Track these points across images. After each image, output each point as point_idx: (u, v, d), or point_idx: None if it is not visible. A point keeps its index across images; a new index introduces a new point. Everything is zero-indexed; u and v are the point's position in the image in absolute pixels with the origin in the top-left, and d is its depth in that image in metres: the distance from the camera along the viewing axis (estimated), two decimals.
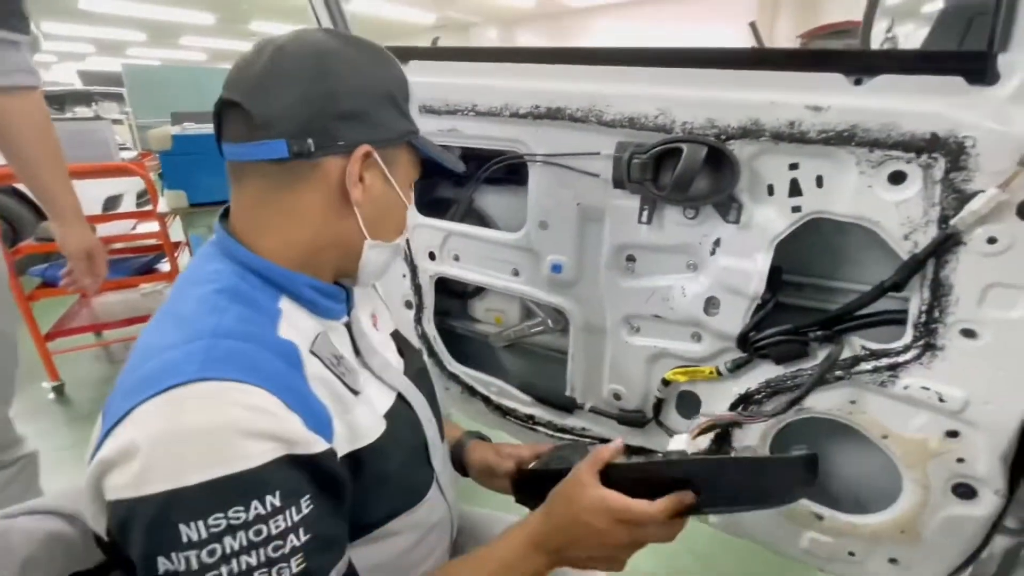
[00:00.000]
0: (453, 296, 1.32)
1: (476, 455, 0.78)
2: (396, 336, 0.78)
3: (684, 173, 0.74)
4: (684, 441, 0.62)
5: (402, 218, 0.61)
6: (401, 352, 0.74)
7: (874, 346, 0.73)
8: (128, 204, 3.87)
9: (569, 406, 1.10)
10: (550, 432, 1.14)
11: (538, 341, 1.23)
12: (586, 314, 1.02)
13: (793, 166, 0.73)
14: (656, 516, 0.51)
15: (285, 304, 0.54)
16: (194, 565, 0.38)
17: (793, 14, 9.10)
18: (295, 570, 0.42)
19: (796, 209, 0.74)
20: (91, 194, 3.39)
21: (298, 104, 0.50)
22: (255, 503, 0.40)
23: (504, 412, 1.20)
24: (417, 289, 1.24)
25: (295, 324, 0.53)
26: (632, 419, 1.02)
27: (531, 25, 12.52)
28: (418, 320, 1.27)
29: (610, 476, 0.56)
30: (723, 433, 0.91)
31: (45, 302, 2.22)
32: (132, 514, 0.39)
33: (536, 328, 1.20)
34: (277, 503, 0.41)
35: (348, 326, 0.62)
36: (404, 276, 1.24)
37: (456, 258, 1.17)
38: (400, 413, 0.63)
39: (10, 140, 1.01)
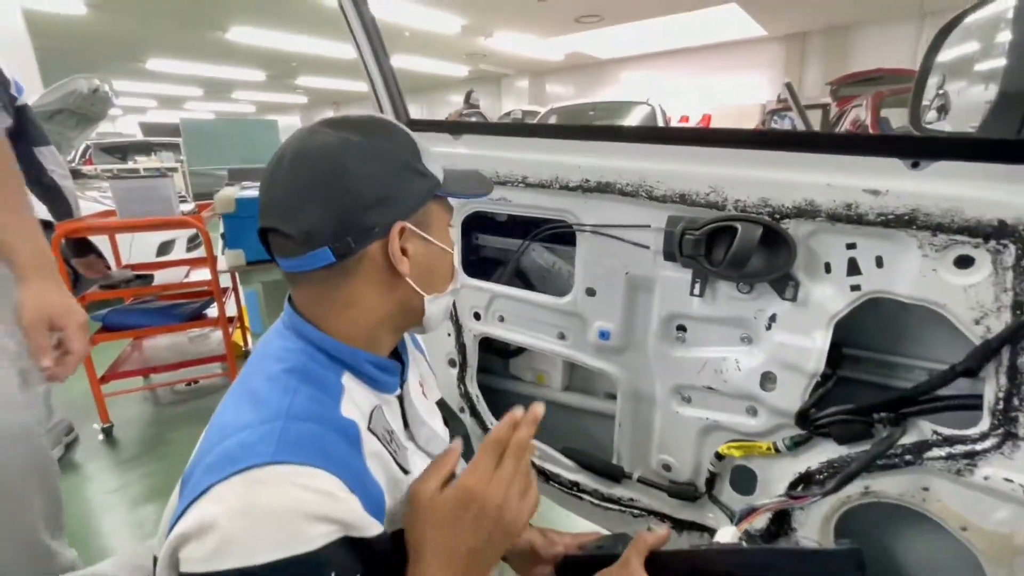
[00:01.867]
0: (495, 354, 1.34)
1: (521, 537, 0.76)
2: (442, 405, 0.79)
3: (739, 251, 0.75)
4: (731, 534, 0.61)
5: (450, 265, 0.64)
6: (446, 421, 0.76)
7: (947, 432, 0.70)
8: (179, 248, 4.10)
9: (616, 475, 1.08)
10: (595, 501, 1.12)
11: (584, 404, 1.22)
12: (634, 382, 1.01)
13: (851, 246, 0.73)
14: None
15: (347, 380, 0.57)
16: None
17: (820, 62, 9.20)
18: None
19: (855, 288, 0.74)
20: (147, 240, 3.62)
21: (327, 212, 0.52)
22: None
23: (547, 477, 1.18)
24: (461, 348, 1.26)
25: (355, 400, 0.56)
26: (683, 492, 0.99)
27: (560, 76, 12.98)
28: (461, 379, 1.28)
29: (655, 564, 0.56)
30: (782, 513, 0.87)
31: (103, 345, 2.33)
32: None
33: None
34: None
35: (400, 398, 0.64)
36: (449, 335, 1.26)
37: (501, 319, 1.19)
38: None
39: None
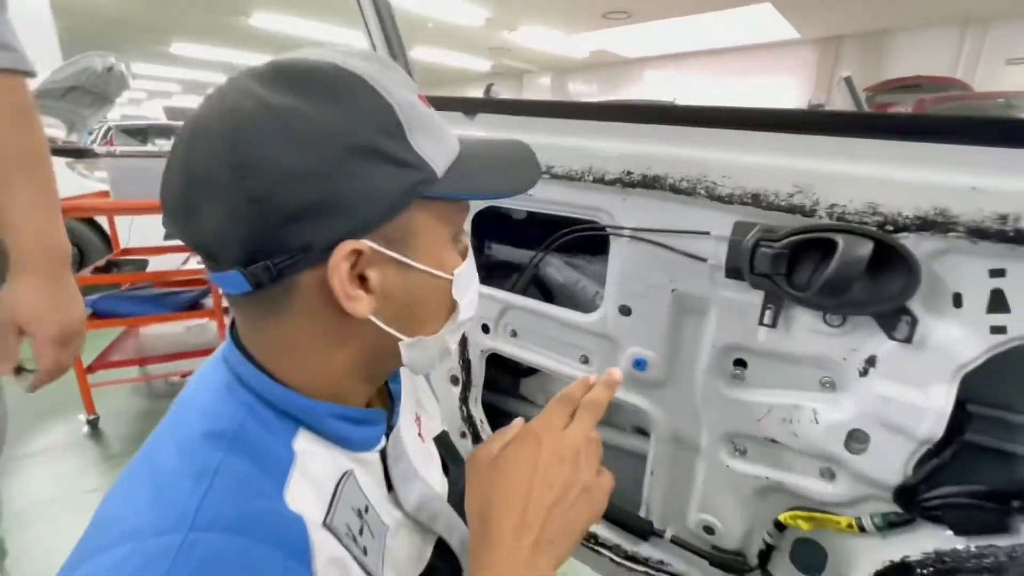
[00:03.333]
0: (505, 371, 1.16)
1: None
2: (441, 442, 0.62)
3: (841, 274, 0.56)
4: None
5: (444, 298, 0.43)
6: (445, 467, 0.58)
7: None
8: None
9: (644, 530, 0.89)
10: (616, 558, 0.93)
11: (605, 437, 1.04)
12: (674, 423, 0.82)
13: (996, 272, 0.53)
14: None
15: (302, 443, 0.39)
16: None
17: (854, 67, 8.84)
18: None
19: (998, 330, 0.54)
20: (150, 224, 3.51)
21: (230, 220, 0.34)
22: None
23: None
24: (466, 364, 1.08)
25: (311, 475, 0.38)
26: (729, 563, 0.80)
27: (583, 74, 12.74)
28: (464, 399, 1.10)
29: None
30: None
31: (91, 333, 2.20)
32: None
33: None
34: None
35: (383, 452, 0.47)
36: (430, 372, 1.08)
37: (514, 334, 1.01)
38: (439, 569, 0.49)
39: None
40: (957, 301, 0.56)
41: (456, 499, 0.54)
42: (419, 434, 0.57)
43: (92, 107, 4.66)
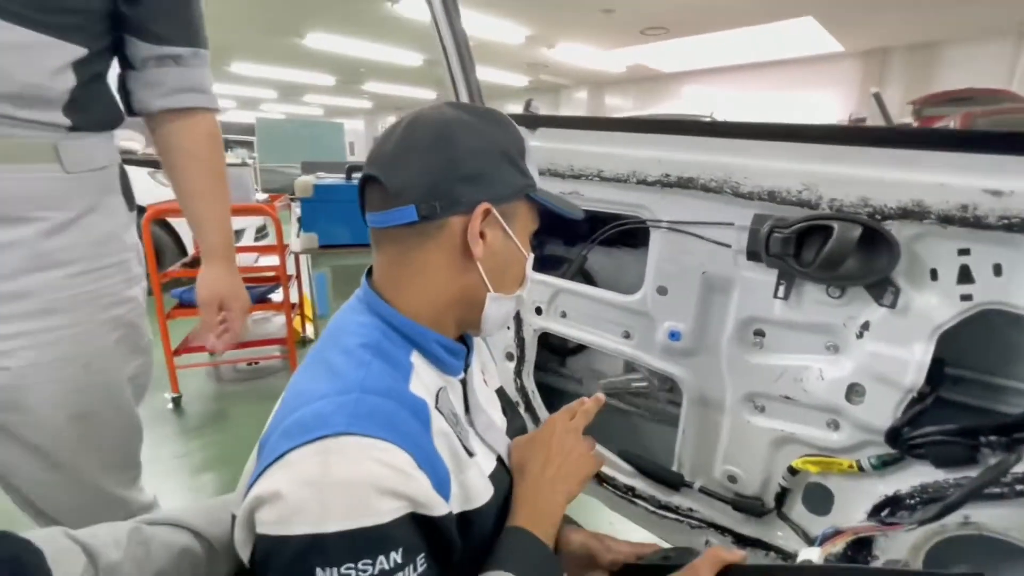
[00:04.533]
0: (553, 351, 1.33)
1: (576, 539, 0.73)
2: (501, 394, 0.79)
3: (835, 251, 0.71)
4: (816, 554, 0.56)
5: (522, 270, 0.63)
6: (504, 411, 0.75)
7: None
8: (248, 237, 4.34)
9: (675, 482, 1.04)
10: (651, 508, 1.08)
11: (642, 404, 1.19)
12: (702, 386, 0.97)
13: (963, 251, 0.67)
14: None
15: (416, 359, 0.57)
16: None
17: (902, 80, 8.67)
18: None
19: (966, 298, 0.68)
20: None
21: (424, 172, 0.54)
22: (381, 557, 0.42)
23: (601, 479, 1.16)
24: (520, 342, 1.26)
25: (423, 379, 0.56)
26: (749, 506, 0.94)
27: (620, 88, 12.89)
28: (518, 373, 1.28)
29: None
30: (862, 540, 0.81)
31: (180, 320, 2.49)
32: (275, 550, 0.42)
33: (639, 384, 1.16)
34: (399, 559, 0.43)
35: (463, 382, 0.64)
36: (508, 328, 1.26)
37: (563, 315, 1.18)
38: (502, 478, 0.63)
39: (168, 164, 0.90)
40: (933, 275, 0.70)
41: (511, 433, 0.71)
42: (484, 381, 0.74)
43: None
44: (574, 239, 1.27)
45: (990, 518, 0.69)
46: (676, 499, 1.05)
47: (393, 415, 0.49)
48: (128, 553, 0.52)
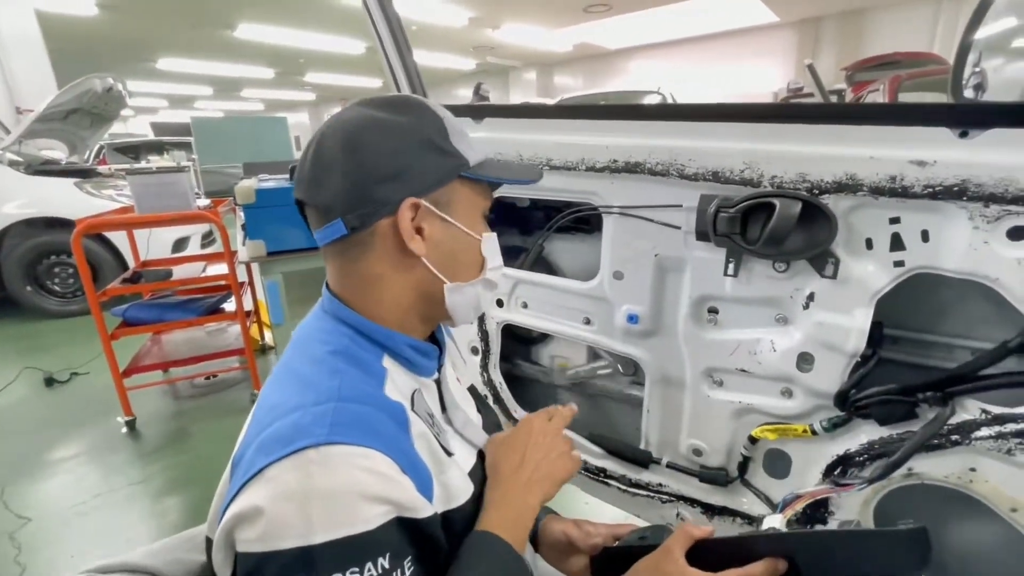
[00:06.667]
0: (518, 341, 1.33)
1: (555, 527, 0.75)
2: (472, 391, 0.78)
3: (778, 228, 0.73)
4: (778, 520, 0.59)
5: (476, 254, 0.60)
6: (478, 408, 0.75)
7: (997, 410, 0.68)
8: (194, 245, 4.13)
9: (644, 460, 1.06)
10: (623, 487, 1.11)
11: (608, 388, 1.21)
12: (663, 366, 0.99)
13: (894, 220, 0.71)
14: None
15: (388, 363, 0.56)
16: None
17: (834, 47, 9.03)
18: None
19: (899, 264, 0.71)
20: (163, 238, 3.65)
21: (342, 185, 0.53)
22: (369, 564, 0.42)
23: None
24: (484, 335, 1.25)
25: (396, 383, 0.55)
26: (715, 477, 0.97)
27: (568, 67, 12.89)
28: (484, 366, 1.27)
29: (700, 552, 0.55)
30: (819, 501, 0.85)
31: (123, 340, 2.35)
32: (260, 567, 0.41)
33: (604, 371, 1.18)
34: (387, 564, 0.43)
35: (438, 382, 0.64)
36: (471, 322, 1.25)
37: (525, 305, 1.18)
38: (482, 474, 0.63)
39: None
40: (869, 244, 0.73)
41: (486, 429, 0.70)
42: (457, 379, 0.73)
43: (92, 128, 4.76)
44: (530, 229, 1.27)
45: (930, 467, 0.73)
46: (646, 476, 1.08)
47: (373, 421, 0.48)
48: None
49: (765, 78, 9.43)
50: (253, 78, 12.70)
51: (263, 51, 9.76)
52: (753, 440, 0.91)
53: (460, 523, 0.55)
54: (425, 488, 0.49)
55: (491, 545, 0.53)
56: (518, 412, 1.26)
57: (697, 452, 0.99)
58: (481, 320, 1.24)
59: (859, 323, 0.74)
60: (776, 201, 0.74)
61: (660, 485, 1.07)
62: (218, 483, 0.51)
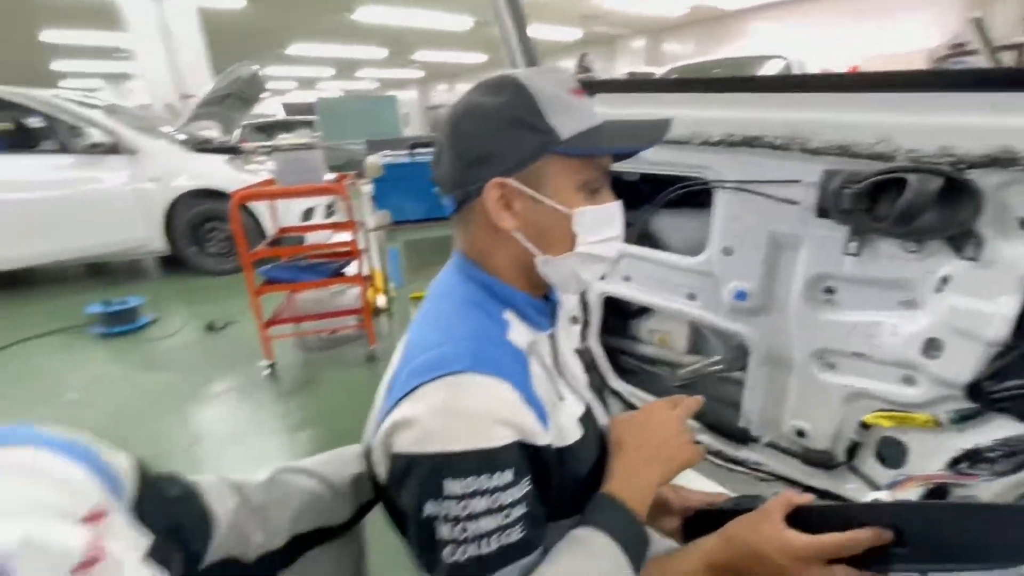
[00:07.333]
0: (618, 314, 1.36)
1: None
2: (579, 352, 0.84)
3: (912, 205, 0.69)
4: (885, 497, 0.58)
5: (567, 229, 0.60)
6: (585, 369, 0.80)
7: None
8: (319, 215, 4.60)
9: (743, 437, 1.07)
10: (720, 462, 1.12)
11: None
12: (770, 345, 0.98)
13: None
14: (845, 546, 0.50)
15: (509, 315, 0.64)
16: (451, 513, 0.49)
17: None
18: (516, 536, 0.51)
19: None
20: (294, 208, 4.12)
21: (448, 166, 0.61)
22: (497, 474, 0.50)
23: None
24: (584, 306, 1.30)
25: (517, 332, 0.63)
26: (818, 459, 0.95)
27: (679, 33, 12.09)
28: (583, 336, 1.33)
29: (801, 518, 0.54)
30: (937, 490, 0.81)
31: (268, 296, 2.73)
32: (412, 465, 0.51)
33: (716, 368, 1.17)
34: (510, 478, 0.51)
35: (552, 337, 0.70)
36: (575, 292, 1.30)
37: (627, 278, 1.20)
38: (589, 423, 0.69)
39: None
40: (1023, 224, 0.67)
41: (593, 389, 0.76)
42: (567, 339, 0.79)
43: (240, 110, 5.45)
44: (636, 203, 1.28)
45: None
46: (744, 453, 1.08)
47: (502, 359, 0.57)
48: (271, 496, 0.63)
49: (919, 34, 8.14)
50: (368, 59, 13.51)
51: (377, 32, 10.31)
52: (866, 426, 0.87)
53: (571, 462, 0.61)
54: (542, 422, 0.56)
55: (617, 506, 0.59)
56: (615, 382, 1.30)
57: (801, 433, 0.97)
58: (582, 292, 1.29)
59: (1004, 309, 0.69)
60: (912, 176, 0.69)
61: (758, 463, 1.06)
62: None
